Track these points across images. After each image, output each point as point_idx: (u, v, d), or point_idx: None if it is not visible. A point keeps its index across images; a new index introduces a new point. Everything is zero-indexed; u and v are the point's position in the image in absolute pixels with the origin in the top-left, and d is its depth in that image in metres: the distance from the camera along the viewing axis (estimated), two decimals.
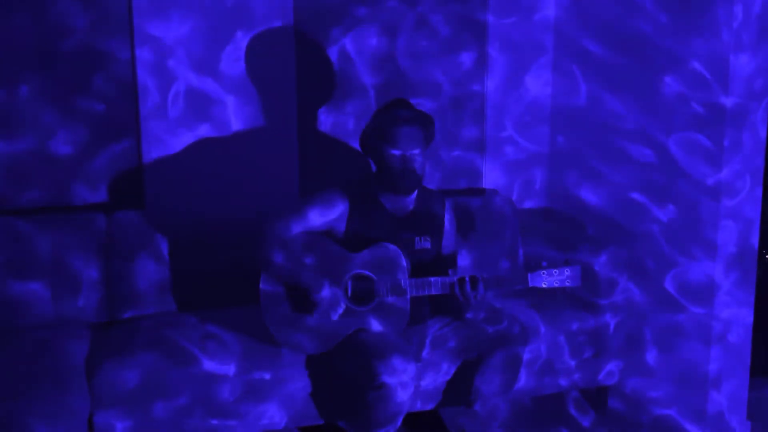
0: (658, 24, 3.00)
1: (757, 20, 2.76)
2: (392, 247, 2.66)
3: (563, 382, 3.06)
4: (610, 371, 3.12)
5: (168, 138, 3.20)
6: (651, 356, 3.18)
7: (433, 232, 2.81)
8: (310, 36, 3.33)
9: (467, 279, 2.60)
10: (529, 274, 2.62)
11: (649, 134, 3.08)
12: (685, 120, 2.93)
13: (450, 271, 2.78)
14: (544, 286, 2.62)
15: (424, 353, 2.79)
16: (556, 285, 2.62)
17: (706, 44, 2.82)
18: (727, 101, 2.77)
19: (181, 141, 3.21)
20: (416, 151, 2.64)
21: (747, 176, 2.88)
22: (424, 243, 2.78)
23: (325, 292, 2.62)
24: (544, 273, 2.62)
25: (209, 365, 2.65)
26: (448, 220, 2.86)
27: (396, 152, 2.63)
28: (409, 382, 2.53)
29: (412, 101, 2.76)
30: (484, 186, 3.68)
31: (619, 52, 3.22)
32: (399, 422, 2.59)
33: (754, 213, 2.93)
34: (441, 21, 3.49)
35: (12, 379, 2.49)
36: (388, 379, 2.48)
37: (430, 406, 2.87)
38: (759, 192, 2.92)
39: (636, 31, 3.09)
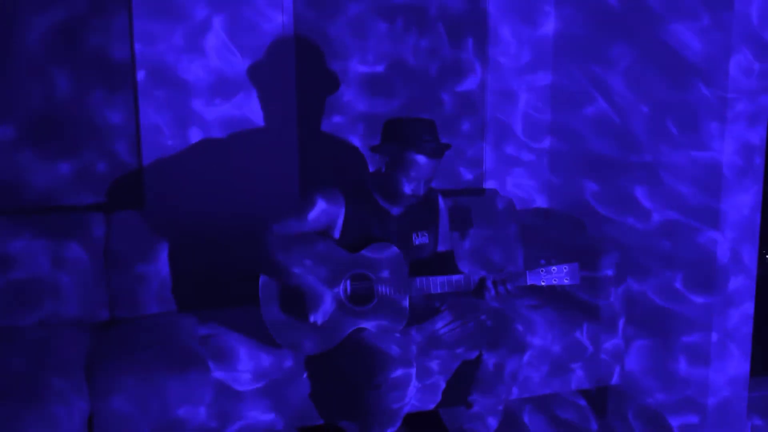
0: None
1: None
2: (391, 246, 2.67)
3: (563, 382, 3.06)
4: (610, 372, 3.12)
5: (168, 138, 3.20)
6: (651, 356, 3.17)
7: (429, 226, 2.82)
8: (310, 36, 3.33)
9: (489, 278, 2.61)
10: (527, 273, 2.62)
11: None
12: None
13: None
14: (542, 284, 2.62)
15: (424, 353, 2.79)
16: (555, 283, 2.62)
17: None
18: None
19: (181, 141, 3.21)
20: (431, 178, 2.67)
21: None
22: (422, 238, 2.79)
23: (324, 292, 2.62)
24: (542, 271, 2.62)
25: (209, 366, 2.65)
26: (442, 213, 2.88)
27: (412, 182, 2.64)
28: (409, 382, 2.53)
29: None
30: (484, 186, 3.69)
31: None
32: (399, 422, 2.59)
33: None
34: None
35: (11, 378, 2.49)
36: (388, 379, 2.48)
37: (430, 406, 2.87)
38: None
39: None
